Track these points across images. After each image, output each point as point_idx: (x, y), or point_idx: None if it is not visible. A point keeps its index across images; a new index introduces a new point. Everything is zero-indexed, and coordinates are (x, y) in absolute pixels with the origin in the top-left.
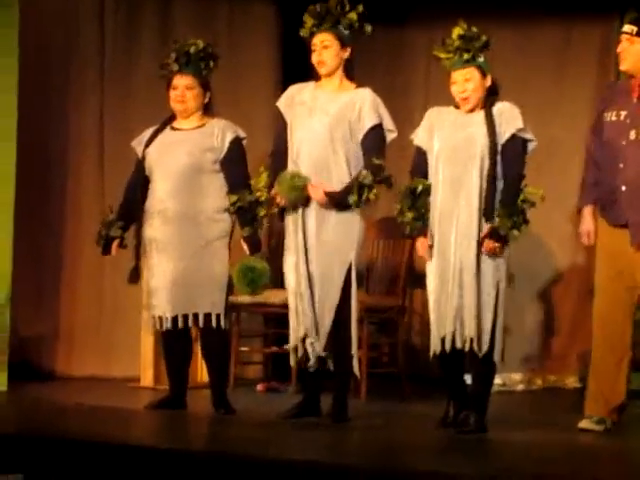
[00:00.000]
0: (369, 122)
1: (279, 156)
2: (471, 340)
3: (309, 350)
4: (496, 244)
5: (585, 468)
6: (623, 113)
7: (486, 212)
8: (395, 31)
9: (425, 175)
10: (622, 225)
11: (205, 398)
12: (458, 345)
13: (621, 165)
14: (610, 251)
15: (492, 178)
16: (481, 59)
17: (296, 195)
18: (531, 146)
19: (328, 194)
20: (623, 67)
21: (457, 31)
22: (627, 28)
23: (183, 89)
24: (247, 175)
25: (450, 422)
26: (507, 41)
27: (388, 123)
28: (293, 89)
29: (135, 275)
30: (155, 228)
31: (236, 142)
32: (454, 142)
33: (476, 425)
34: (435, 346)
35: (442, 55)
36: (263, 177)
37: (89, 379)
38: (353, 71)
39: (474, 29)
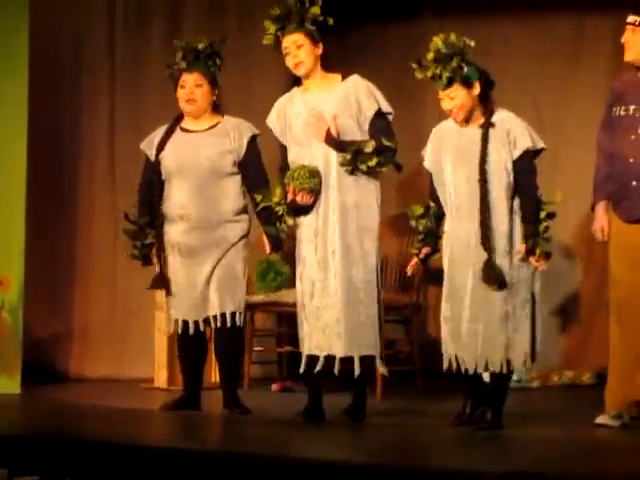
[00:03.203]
0: (370, 110)
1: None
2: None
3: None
4: (542, 261)
5: (601, 463)
6: (632, 107)
7: (484, 234)
8: (407, 25)
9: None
10: (635, 220)
11: (219, 399)
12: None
13: (631, 160)
14: (624, 246)
15: (484, 196)
16: (463, 71)
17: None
18: (543, 152)
19: (330, 135)
20: (627, 58)
21: (434, 47)
22: (630, 18)
23: (192, 86)
24: (266, 174)
25: (466, 419)
26: (519, 34)
27: (384, 105)
28: (281, 102)
29: (161, 281)
30: (178, 233)
31: (253, 141)
32: (460, 163)
33: (493, 421)
34: (447, 364)
35: (423, 75)
36: (277, 193)
37: (103, 380)
38: (329, 62)
39: (451, 43)
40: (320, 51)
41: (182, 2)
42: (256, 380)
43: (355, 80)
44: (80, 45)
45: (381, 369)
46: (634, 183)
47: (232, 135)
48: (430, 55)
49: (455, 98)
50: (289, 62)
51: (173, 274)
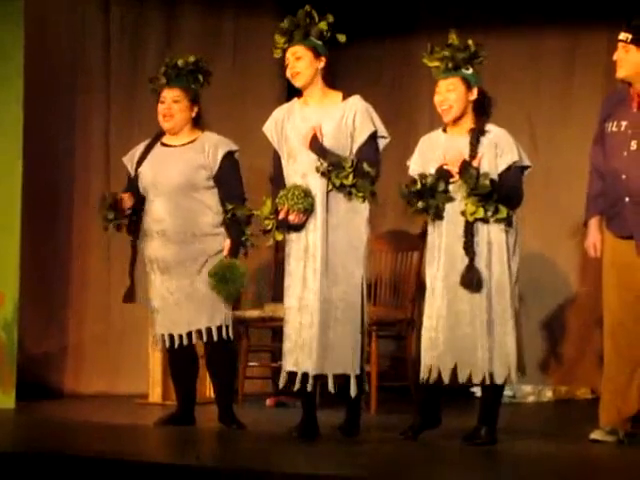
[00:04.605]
0: (365, 132)
1: (280, 182)
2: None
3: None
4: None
5: (596, 479)
6: (624, 123)
7: (467, 239)
8: (402, 42)
9: None
10: (628, 236)
11: (214, 413)
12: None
13: (624, 176)
14: (617, 262)
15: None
16: (468, 71)
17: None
18: (527, 170)
19: (314, 140)
20: (620, 75)
21: (448, 40)
22: (622, 36)
23: (170, 102)
24: (241, 189)
25: (411, 435)
26: (514, 51)
27: (381, 129)
28: (279, 113)
29: (130, 294)
30: (156, 248)
31: (228, 157)
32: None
33: (487, 437)
34: (426, 374)
35: (429, 63)
36: (268, 205)
37: (97, 396)
38: (332, 79)
39: (469, 41)
40: (322, 65)
41: (177, 21)
42: (251, 395)
43: (355, 100)
44: (76, 62)
45: (352, 390)
46: (627, 199)
47: (207, 150)
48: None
49: (452, 91)
50: (288, 72)
51: (154, 290)
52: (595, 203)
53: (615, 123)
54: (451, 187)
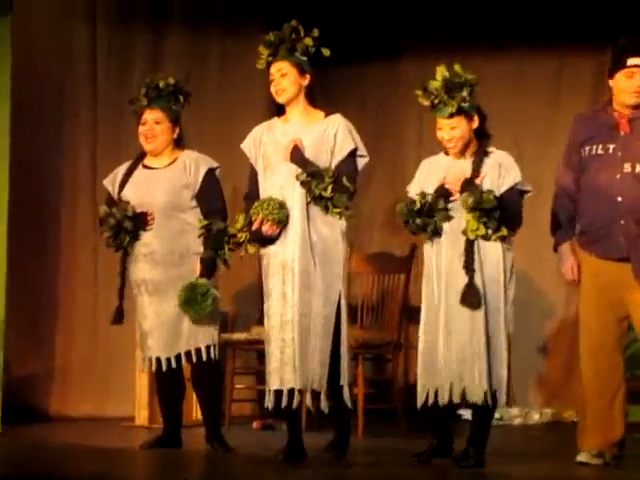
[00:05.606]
0: (346, 148)
1: (253, 200)
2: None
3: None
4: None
5: None
6: (611, 146)
7: (468, 257)
8: (387, 64)
9: None
10: (619, 258)
11: (200, 436)
12: (455, 400)
13: (619, 198)
14: (598, 284)
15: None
16: (467, 104)
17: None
18: (528, 195)
19: (295, 150)
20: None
21: (440, 75)
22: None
23: (151, 123)
24: (222, 206)
25: (425, 458)
26: (500, 73)
27: (361, 147)
28: (258, 130)
29: (119, 316)
30: (143, 271)
31: (209, 174)
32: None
33: (475, 460)
34: (424, 398)
35: (424, 101)
36: (240, 220)
37: (84, 419)
38: (315, 97)
39: (459, 73)
40: (307, 82)
41: (163, 43)
42: (237, 418)
43: (337, 118)
44: (63, 85)
45: (323, 406)
46: (622, 222)
47: (189, 169)
48: (437, 83)
49: (456, 128)
50: (272, 88)
51: (142, 313)
52: (566, 227)
53: (600, 146)
54: (451, 205)
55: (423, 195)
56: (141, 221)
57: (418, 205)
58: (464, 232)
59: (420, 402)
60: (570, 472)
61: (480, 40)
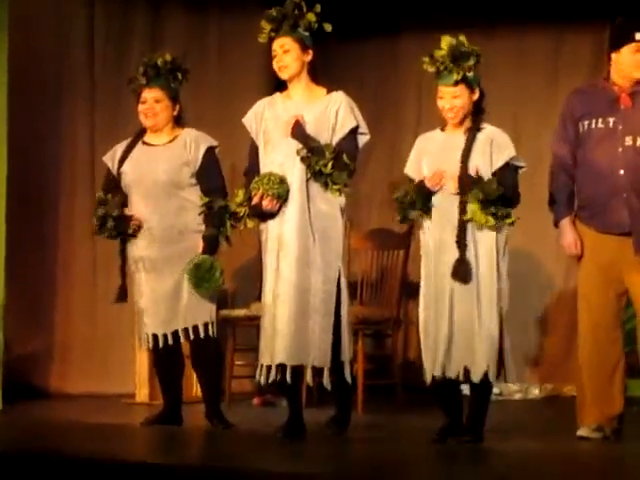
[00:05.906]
0: (348, 125)
1: (253, 175)
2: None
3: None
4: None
5: (583, 476)
6: (611, 120)
7: (460, 232)
8: (386, 43)
9: None
10: (620, 232)
11: (200, 412)
12: (451, 375)
13: (621, 172)
14: (598, 260)
15: (462, 194)
16: (471, 74)
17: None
18: (522, 170)
19: (297, 126)
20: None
21: (446, 44)
22: None
23: (151, 102)
24: (222, 183)
25: (442, 435)
26: (499, 52)
27: (362, 125)
28: (260, 104)
29: (122, 294)
30: (141, 247)
31: (209, 152)
32: (439, 168)
33: (473, 435)
34: (431, 371)
35: (429, 68)
36: (240, 195)
37: (84, 396)
38: (317, 74)
39: (464, 43)
40: (309, 58)
41: (162, 24)
42: (238, 395)
43: (339, 95)
44: (61, 69)
45: (326, 382)
46: (625, 195)
47: (189, 147)
48: (444, 51)
49: (458, 97)
50: (275, 64)
51: (139, 290)
52: (566, 203)
53: (600, 120)
54: (445, 188)
55: (405, 187)
56: (123, 224)
57: (395, 195)
58: (463, 217)
59: (428, 379)
60: (570, 446)
61: (479, 19)
